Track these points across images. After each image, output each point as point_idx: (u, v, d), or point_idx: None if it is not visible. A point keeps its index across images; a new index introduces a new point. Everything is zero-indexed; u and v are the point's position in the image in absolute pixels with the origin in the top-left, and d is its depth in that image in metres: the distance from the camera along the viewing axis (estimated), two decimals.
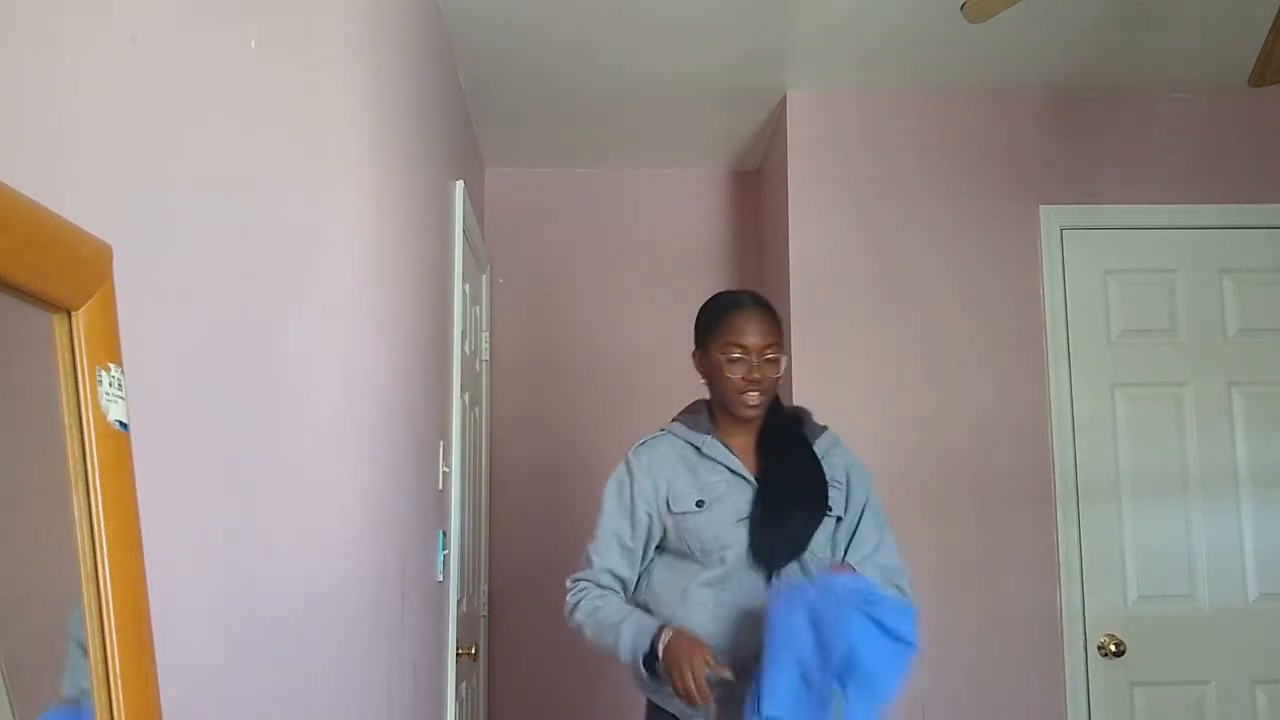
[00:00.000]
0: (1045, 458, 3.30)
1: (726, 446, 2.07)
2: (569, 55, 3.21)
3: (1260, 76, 2.40)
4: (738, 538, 1.99)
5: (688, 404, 2.21)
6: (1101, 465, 3.30)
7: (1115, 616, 3.23)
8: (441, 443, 2.82)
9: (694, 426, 2.11)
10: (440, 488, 2.81)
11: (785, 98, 3.50)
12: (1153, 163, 3.44)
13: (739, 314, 2.07)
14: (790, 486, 2.04)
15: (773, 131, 3.73)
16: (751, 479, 2.04)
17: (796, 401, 3.33)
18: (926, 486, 3.27)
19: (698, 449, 2.07)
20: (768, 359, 2.05)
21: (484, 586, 3.75)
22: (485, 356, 3.87)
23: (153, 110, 1.05)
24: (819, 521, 2.04)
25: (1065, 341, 3.36)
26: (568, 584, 2.11)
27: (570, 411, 3.99)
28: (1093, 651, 3.21)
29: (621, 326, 4.02)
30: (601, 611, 2.01)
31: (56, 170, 0.86)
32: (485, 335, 3.86)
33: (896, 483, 3.27)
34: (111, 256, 0.81)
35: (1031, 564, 3.26)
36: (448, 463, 2.90)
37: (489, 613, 3.81)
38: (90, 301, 0.77)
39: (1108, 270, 3.40)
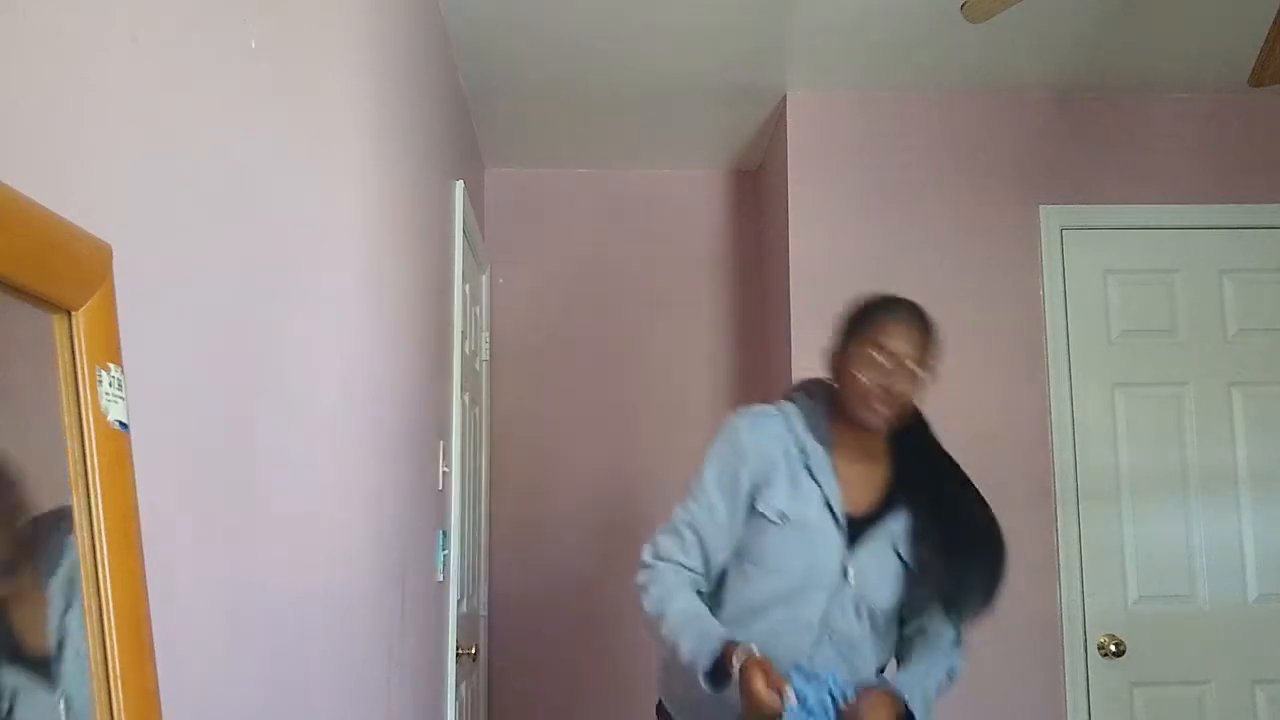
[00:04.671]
0: (1045, 458, 3.30)
1: (834, 470, 1.84)
2: (569, 55, 3.21)
3: (1260, 76, 2.40)
4: (797, 565, 1.82)
5: (812, 379, 1.97)
6: (1101, 465, 3.30)
7: (1115, 616, 3.23)
8: (441, 443, 2.82)
9: (811, 425, 1.88)
10: (440, 488, 2.81)
11: (785, 98, 3.50)
12: (1153, 163, 3.44)
13: (892, 316, 1.84)
14: (959, 523, 1.83)
15: (773, 131, 3.73)
16: (841, 518, 1.82)
17: None
18: None
19: (805, 457, 1.85)
20: (909, 372, 1.80)
21: (484, 586, 3.75)
22: (485, 356, 3.87)
23: (153, 110, 1.05)
24: (1002, 575, 1.81)
25: (1065, 341, 3.36)
26: (644, 556, 1.90)
27: (570, 411, 3.99)
28: (1093, 651, 3.21)
29: (621, 326, 4.02)
30: (667, 603, 1.82)
31: (56, 170, 0.86)
32: (485, 335, 3.86)
33: None
34: (111, 256, 0.81)
35: (1031, 564, 3.25)
36: (448, 463, 2.90)
37: (489, 613, 3.81)
38: (90, 301, 0.77)
39: (1108, 270, 3.40)
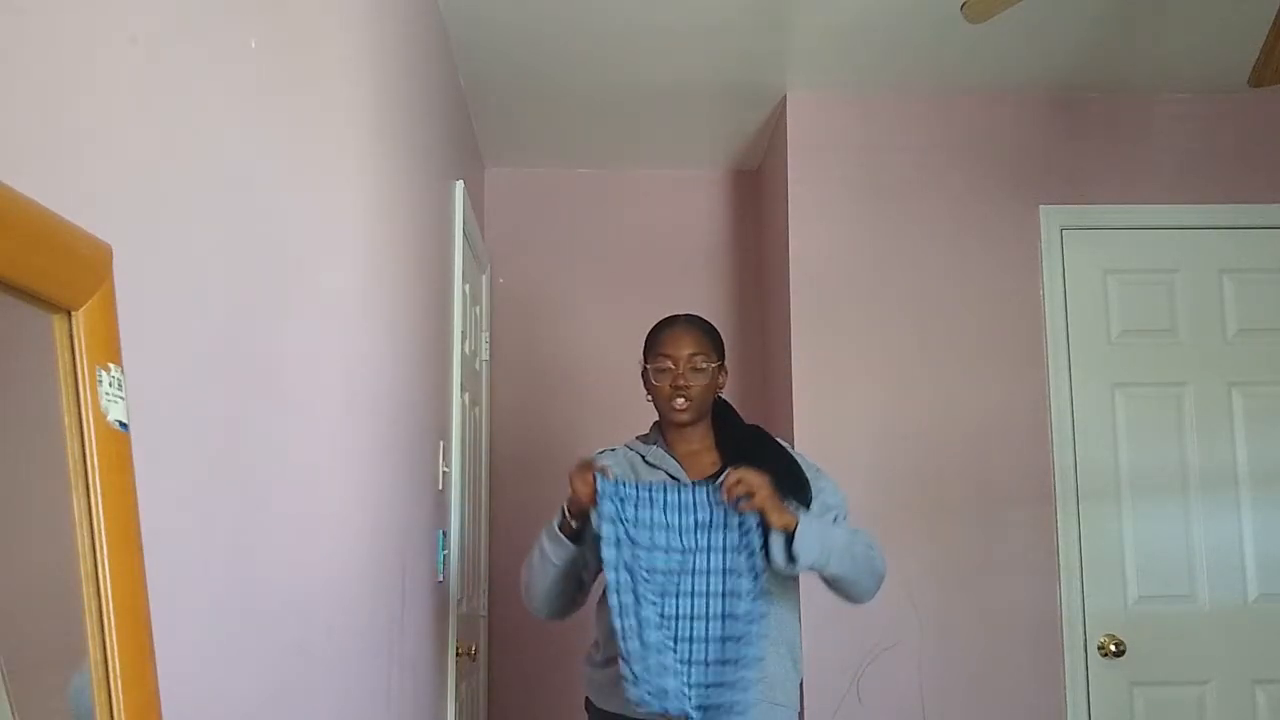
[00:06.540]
0: (1045, 458, 3.30)
1: (670, 454, 2.23)
2: (569, 55, 3.21)
3: (1260, 77, 2.40)
4: None
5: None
6: (1101, 465, 3.30)
7: (1115, 616, 3.23)
8: (441, 443, 2.82)
9: (645, 440, 2.30)
10: (440, 488, 2.81)
11: (785, 98, 3.50)
12: (1153, 163, 3.44)
13: (668, 329, 2.25)
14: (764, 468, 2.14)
15: (773, 132, 3.73)
16: (689, 483, 2.15)
17: (797, 401, 3.34)
18: (927, 486, 3.27)
19: (644, 457, 2.25)
20: (695, 368, 2.19)
21: (484, 586, 3.75)
22: (485, 356, 3.87)
23: (153, 110, 1.05)
24: (807, 501, 2.12)
25: (1065, 341, 3.36)
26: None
27: (570, 411, 3.99)
28: (1093, 652, 3.21)
29: (621, 326, 4.01)
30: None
31: (56, 170, 0.86)
32: (485, 335, 3.86)
33: (896, 483, 3.28)
34: (111, 256, 0.81)
35: (1031, 564, 3.25)
36: (448, 463, 2.90)
37: (489, 613, 3.81)
38: (90, 301, 0.77)
39: (1108, 270, 3.40)
